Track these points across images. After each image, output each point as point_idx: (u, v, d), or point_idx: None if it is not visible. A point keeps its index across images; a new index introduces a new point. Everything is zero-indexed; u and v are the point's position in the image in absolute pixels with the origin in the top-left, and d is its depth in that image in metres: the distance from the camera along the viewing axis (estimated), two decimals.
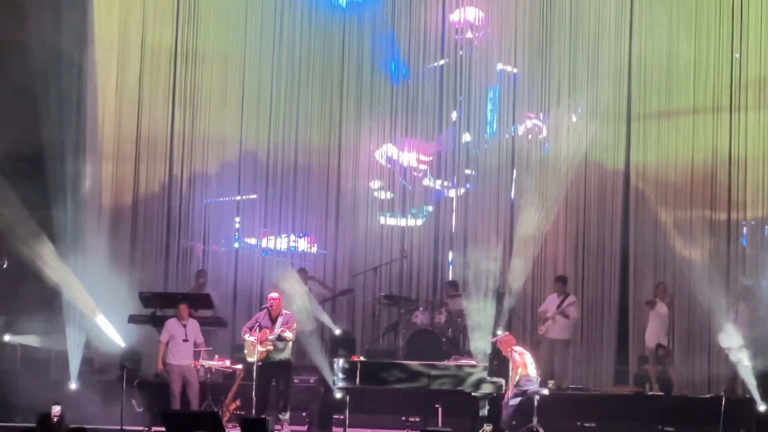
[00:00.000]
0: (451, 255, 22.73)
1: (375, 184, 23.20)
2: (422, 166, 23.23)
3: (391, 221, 23.11)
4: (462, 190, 22.97)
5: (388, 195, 23.18)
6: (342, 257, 23.02)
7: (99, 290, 20.47)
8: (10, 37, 21.34)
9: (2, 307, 20.39)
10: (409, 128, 23.21)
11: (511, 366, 17.51)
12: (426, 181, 23.17)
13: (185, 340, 18.57)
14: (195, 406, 18.28)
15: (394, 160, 23.23)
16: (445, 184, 23.04)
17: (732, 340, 19.09)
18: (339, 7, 23.37)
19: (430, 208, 23.07)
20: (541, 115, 22.56)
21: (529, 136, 22.59)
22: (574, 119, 22.22)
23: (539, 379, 17.90)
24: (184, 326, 18.70)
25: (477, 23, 23.04)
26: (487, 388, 17.24)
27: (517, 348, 17.77)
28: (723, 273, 20.95)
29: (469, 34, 23.02)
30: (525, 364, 17.63)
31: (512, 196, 22.55)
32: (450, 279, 22.38)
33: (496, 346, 17.99)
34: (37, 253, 20.20)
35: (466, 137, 22.92)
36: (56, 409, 15.66)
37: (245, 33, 23.22)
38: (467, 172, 22.98)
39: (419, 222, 23.11)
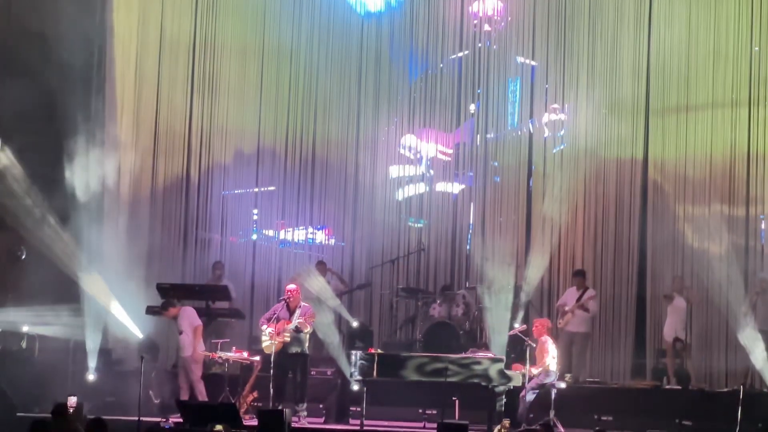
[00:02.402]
0: (468, 248, 22.72)
1: (394, 175, 23.23)
2: (444, 157, 23.23)
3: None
4: (481, 183, 22.93)
5: (407, 188, 23.23)
6: (360, 249, 23.04)
7: (117, 281, 20.53)
8: (30, 28, 21.34)
9: (21, 297, 20.42)
10: (427, 120, 23.21)
11: (536, 353, 17.51)
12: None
13: (180, 333, 18.48)
14: (199, 397, 18.19)
15: (413, 149, 23.24)
16: (464, 174, 23.03)
17: (749, 334, 19.07)
18: None
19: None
20: (561, 107, 22.52)
21: (548, 130, 22.56)
22: (592, 113, 22.16)
23: (557, 372, 17.89)
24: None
25: (496, 15, 23.02)
26: (504, 381, 17.24)
27: (548, 337, 17.79)
28: (741, 268, 20.86)
29: (488, 27, 23.00)
30: (552, 356, 17.61)
31: (530, 189, 22.51)
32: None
33: (516, 337, 18.09)
34: (56, 244, 20.27)
35: (487, 130, 22.90)
36: (72, 400, 15.76)
37: (264, 24, 23.25)
38: (486, 164, 22.95)
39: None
